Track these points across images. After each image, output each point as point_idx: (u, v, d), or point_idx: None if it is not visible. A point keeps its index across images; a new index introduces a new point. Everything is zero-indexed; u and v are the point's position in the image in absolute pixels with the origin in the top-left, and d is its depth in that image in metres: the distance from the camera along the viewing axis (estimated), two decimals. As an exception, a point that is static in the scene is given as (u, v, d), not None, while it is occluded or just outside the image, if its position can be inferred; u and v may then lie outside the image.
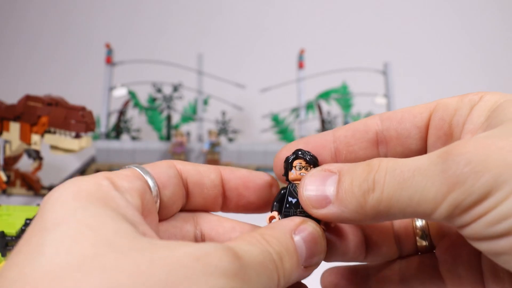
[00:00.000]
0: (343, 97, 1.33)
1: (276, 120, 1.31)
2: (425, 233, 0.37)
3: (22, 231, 0.60)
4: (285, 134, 1.31)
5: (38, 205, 0.67)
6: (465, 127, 0.32)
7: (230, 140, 1.29)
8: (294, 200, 0.34)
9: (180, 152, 1.21)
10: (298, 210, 0.34)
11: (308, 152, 0.35)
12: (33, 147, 0.84)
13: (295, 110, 1.33)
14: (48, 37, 1.98)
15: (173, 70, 1.30)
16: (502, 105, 0.30)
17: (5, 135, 0.87)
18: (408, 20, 1.96)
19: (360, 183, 0.28)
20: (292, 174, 0.35)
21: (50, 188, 0.99)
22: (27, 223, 0.61)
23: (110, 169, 1.15)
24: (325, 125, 1.31)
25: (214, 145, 1.20)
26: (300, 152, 0.35)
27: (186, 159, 1.23)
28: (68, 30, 1.97)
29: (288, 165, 0.35)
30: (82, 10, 1.98)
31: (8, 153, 0.87)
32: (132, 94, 1.27)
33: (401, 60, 1.61)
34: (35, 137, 0.83)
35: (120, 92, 1.26)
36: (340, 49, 1.90)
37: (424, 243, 0.37)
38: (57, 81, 1.86)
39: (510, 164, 0.24)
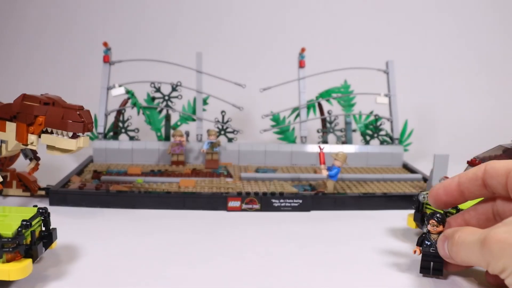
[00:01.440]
0: (345, 96, 1.31)
1: (277, 120, 1.30)
2: None
3: (18, 233, 0.58)
4: (285, 134, 1.29)
5: (35, 206, 0.65)
6: None
7: (230, 140, 1.27)
8: (428, 243, 0.66)
9: (179, 152, 1.19)
10: (431, 249, 0.66)
11: (440, 216, 0.65)
12: (30, 147, 0.83)
13: (296, 110, 1.32)
14: (47, 36, 1.96)
15: (172, 70, 1.29)
16: None
17: (1, 135, 0.85)
18: (410, 19, 1.95)
19: (453, 250, 0.59)
20: (429, 227, 0.66)
21: (47, 189, 0.97)
22: (24, 224, 0.59)
23: (108, 169, 1.14)
24: (326, 124, 1.30)
25: (213, 145, 1.19)
26: (436, 217, 0.65)
27: (185, 159, 1.22)
28: (67, 29, 1.95)
29: (427, 220, 0.66)
30: (80, 9, 1.96)
31: (4, 153, 0.86)
32: (130, 94, 1.26)
33: (403, 59, 1.60)
34: (31, 137, 0.82)
35: (118, 92, 1.25)
36: (341, 48, 1.89)
37: None
38: (54, 80, 1.85)
39: (510, 257, 0.50)
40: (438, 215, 0.65)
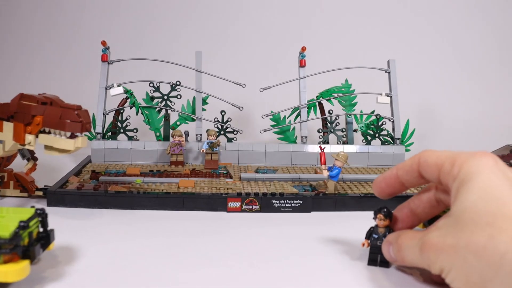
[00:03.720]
0: (346, 96, 1.31)
1: (277, 120, 1.29)
2: None
3: (15, 234, 0.57)
4: (285, 134, 1.28)
5: (33, 207, 0.64)
6: (451, 193, 0.55)
7: (230, 140, 1.26)
8: (376, 236, 0.69)
9: (178, 152, 1.18)
10: (378, 241, 0.69)
11: (386, 210, 0.68)
12: (28, 147, 0.82)
13: (296, 110, 1.31)
14: (44, 36, 1.95)
15: (171, 69, 1.28)
16: (459, 191, 0.53)
17: (-2, 135, 0.84)
18: (412, 18, 1.95)
19: (398, 255, 0.62)
20: (376, 221, 0.69)
21: (44, 189, 0.96)
22: (21, 225, 0.58)
23: (107, 169, 1.13)
24: (327, 124, 1.29)
25: (213, 145, 1.18)
26: (383, 211, 0.68)
27: (184, 159, 1.21)
28: (65, 29, 1.95)
29: (375, 215, 0.69)
30: (78, 8, 1.95)
31: (1, 153, 0.85)
32: (129, 93, 1.25)
33: (405, 58, 1.59)
34: (29, 137, 0.81)
35: (117, 91, 1.24)
36: (342, 47, 1.89)
37: None
38: (52, 80, 1.84)
39: (444, 261, 0.51)
40: (385, 209, 0.68)
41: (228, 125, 1.26)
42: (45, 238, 0.64)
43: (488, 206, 0.49)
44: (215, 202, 0.94)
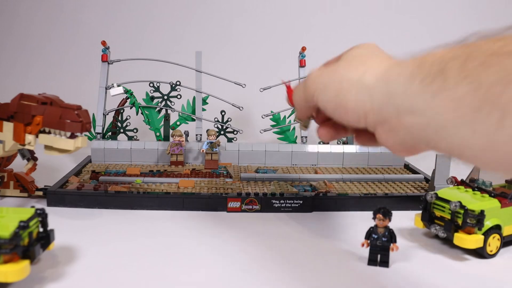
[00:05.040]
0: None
1: (277, 120, 1.29)
2: None
3: (15, 234, 0.57)
4: (285, 134, 1.28)
5: (33, 207, 0.64)
6: None
7: (230, 140, 1.26)
8: (375, 236, 0.70)
9: (178, 153, 1.18)
10: (378, 241, 0.69)
11: (386, 211, 0.69)
12: (28, 147, 0.82)
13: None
14: (44, 35, 1.95)
15: (171, 69, 1.28)
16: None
17: (-2, 135, 0.84)
18: (412, 18, 1.95)
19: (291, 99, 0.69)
20: (376, 221, 0.69)
21: (44, 189, 0.96)
22: (21, 225, 0.58)
23: (107, 170, 1.13)
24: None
25: (213, 145, 1.18)
26: (382, 211, 0.68)
27: (184, 159, 1.21)
28: (65, 28, 1.95)
29: (374, 215, 0.69)
30: (78, 8, 1.95)
31: (1, 153, 0.85)
32: (129, 93, 1.25)
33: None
34: (29, 137, 0.81)
35: (117, 91, 1.24)
36: (342, 47, 1.88)
37: None
38: (52, 80, 1.84)
39: (320, 83, 0.55)
40: (383, 210, 0.69)
41: (228, 125, 1.26)
42: (45, 238, 0.64)
43: (363, 53, 0.56)
44: (215, 202, 0.94)
